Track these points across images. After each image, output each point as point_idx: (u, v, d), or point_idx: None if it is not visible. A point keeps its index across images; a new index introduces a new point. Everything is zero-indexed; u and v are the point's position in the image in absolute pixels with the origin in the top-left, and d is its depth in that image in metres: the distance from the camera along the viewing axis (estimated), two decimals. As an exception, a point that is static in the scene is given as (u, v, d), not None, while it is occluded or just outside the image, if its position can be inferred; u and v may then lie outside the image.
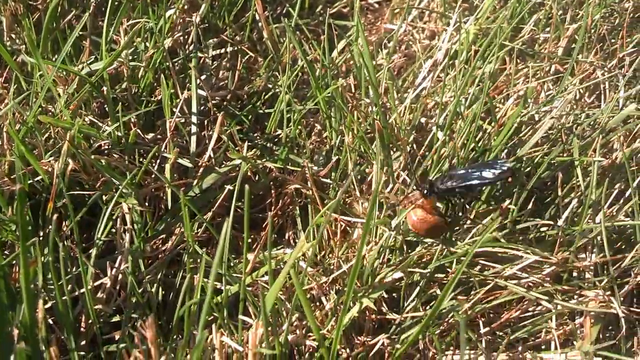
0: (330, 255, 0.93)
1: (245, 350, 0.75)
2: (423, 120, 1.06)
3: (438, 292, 0.89)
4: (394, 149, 1.00)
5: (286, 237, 1.01)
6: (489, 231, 0.82)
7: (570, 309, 0.85)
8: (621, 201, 0.92)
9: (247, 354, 0.75)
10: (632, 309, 0.88)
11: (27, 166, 0.89)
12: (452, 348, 0.86)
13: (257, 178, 1.04)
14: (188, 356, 0.77)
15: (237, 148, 1.00)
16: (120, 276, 0.88)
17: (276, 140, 1.08)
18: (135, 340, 0.72)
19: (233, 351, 0.78)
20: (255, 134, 1.11)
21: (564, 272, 0.88)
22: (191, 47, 1.13)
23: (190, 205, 0.90)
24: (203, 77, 1.13)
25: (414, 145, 1.04)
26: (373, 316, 0.87)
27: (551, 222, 0.89)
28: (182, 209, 0.78)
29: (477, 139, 0.98)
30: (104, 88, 0.99)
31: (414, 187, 0.92)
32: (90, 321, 0.83)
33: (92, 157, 0.90)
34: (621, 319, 0.81)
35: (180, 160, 0.98)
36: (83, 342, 0.84)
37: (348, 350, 0.83)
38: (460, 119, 0.99)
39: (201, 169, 0.99)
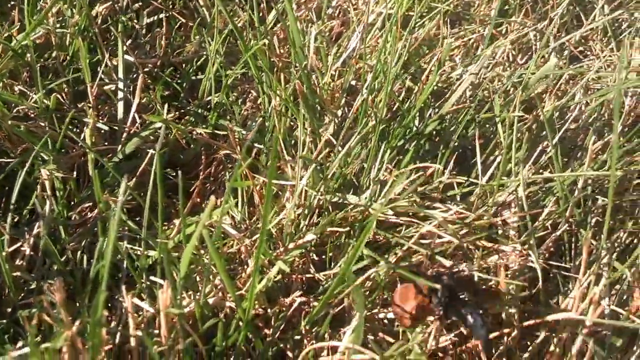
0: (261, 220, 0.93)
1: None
2: (354, 82, 1.05)
3: (367, 252, 0.88)
4: (326, 113, 1.00)
5: (218, 203, 1.00)
6: (406, 190, 0.81)
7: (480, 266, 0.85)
8: (543, 157, 0.93)
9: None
10: (552, 262, 0.89)
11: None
12: (378, 307, 0.86)
13: (190, 146, 1.03)
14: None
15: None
16: (42, 244, 0.87)
17: (209, 106, 1.07)
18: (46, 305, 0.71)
19: (153, 315, 0.78)
20: (191, 101, 1.10)
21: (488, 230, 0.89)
22: (120, 14, 1.11)
23: (113, 171, 0.89)
24: (132, 43, 1.11)
25: (346, 109, 1.04)
26: (299, 276, 0.87)
27: (466, 178, 0.89)
28: (92, 172, 0.77)
29: (400, 97, 0.98)
30: (28, 55, 0.97)
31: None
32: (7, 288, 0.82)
33: (10, 122, 0.89)
34: (538, 272, 0.81)
35: (99, 125, 0.96)
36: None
37: (269, 310, 0.82)
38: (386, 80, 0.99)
39: (124, 135, 0.98)
